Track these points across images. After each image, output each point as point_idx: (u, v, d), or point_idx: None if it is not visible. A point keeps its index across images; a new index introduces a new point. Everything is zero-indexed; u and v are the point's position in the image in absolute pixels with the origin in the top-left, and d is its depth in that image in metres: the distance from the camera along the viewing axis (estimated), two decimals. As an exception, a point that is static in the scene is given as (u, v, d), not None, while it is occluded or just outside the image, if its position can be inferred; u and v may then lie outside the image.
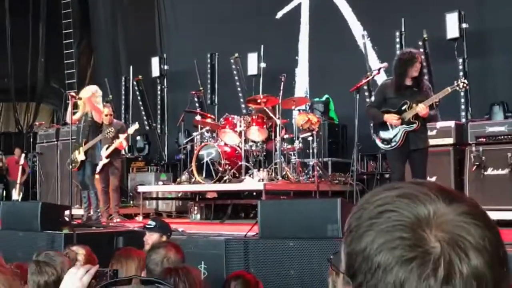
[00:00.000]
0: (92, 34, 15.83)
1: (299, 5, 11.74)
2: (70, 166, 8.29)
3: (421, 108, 5.94)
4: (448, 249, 0.81)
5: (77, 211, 9.54)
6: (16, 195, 12.25)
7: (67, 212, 7.10)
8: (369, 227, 0.85)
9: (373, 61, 10.36)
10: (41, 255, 3.24)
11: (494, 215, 7.25)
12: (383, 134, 6.24)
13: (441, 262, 0.80)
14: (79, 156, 8.15)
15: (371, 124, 9.75)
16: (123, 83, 13.95)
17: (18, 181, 12.34)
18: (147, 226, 5.19)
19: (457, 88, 6.21)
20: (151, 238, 5.03)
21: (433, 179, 7.08)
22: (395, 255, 0.82)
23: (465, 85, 6.14)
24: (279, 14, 11.91)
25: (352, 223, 0.89)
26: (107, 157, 8.47)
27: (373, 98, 6.54)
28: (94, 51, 16.10)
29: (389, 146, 6.20)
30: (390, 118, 6.11)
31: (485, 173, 7.38)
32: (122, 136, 8.44)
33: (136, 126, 8.90)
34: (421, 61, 6.11)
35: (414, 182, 0.90)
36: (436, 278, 0.80)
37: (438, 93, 6.09)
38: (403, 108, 6.09)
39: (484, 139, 7.51)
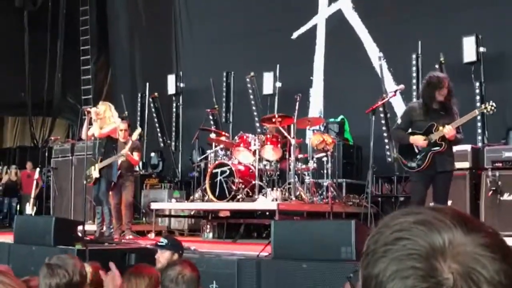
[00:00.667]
0: (110, 51, 15.97)
1: (315, 26, 11.79)
2: (85, 181, 8.31)
3: (448, 130, 5.89)
4: (460, 281, 0.79)
5: (90, 226, 9.54)
6: (30, 209, 12.29)
7: (80, 228, 7.10)
8: (384, 253, 0.85)
9: (389, 83, 10.34)
10: (53, 258, 3.22)
11: (509, 241, 7.14)
12: (409, 156, 6.19)
13: None
14: (94, 172, 8.15)
15: (388, 146, 9.80)
16: (139, 100, 14.03)
17: (32, 195, 12.39)
18: (159, 243, 5.17)
19: (485, 111, 6.16)
20: (162, 256, 5.00)
21: (449, 203, 7.00)
22: (407, 285, 0.81)
23: (493, 108, 6.08)
24: (295, 35, 11.96)
25: (369, 246, 0.89)
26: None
27: (399, 121, 6.52)
28: (111, 68, 16.23)
29: (414, 167, 6.15)
30: (417, 139, 6.07)
31: (502, 198, 7.30)
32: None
33: (138, 130, 8.81)
34: (448, 86, 6.04)
35: (433, 208, 0.89)
36: None
37: (465, 116, 6.03)
38: (430, 130, 6.06)
39: (501, 164, 7.45)
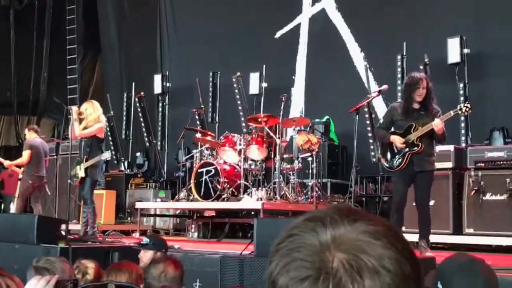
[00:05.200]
0: (102, 50, 15.88)
1: (299, 25, 11.81)
2: (69, 181, 8.26)
3: (438, 123, 5.93)
4: (342, 269, 0.80)
5: (74, 226, 9.51)
6: (14, 208, 12.21)
7: (63, 227, 7.08)
8: (275, 252, 0.86)
9: (372, 83, 10.39)
10: (42, 261, 3.22)
11: (492, 241, 7.23)
12: (389, 156, 6.26)
13: (330, 281, 0.79)
14: (80, 172, 8.10)
15: (372, 146, 9.85)
16: (125, 99, 13.99)
17: (16, 195, 12.30)
18: (142, 243, 5.18)
19: (460, 112, 6.21)
20: (145, 256, 5.00)
21: (431, 203, 7.06)
22: (290, 276, 0.82)
23: (467, 109, 6.13)
24: (278, 34, 11.99)
25: (270, 251, 0.90)
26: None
27: (381, 120, 6.60)
28: (100, 67, 16.18)
29: (393, 167, 6.22)
30: (395, 140, 6.14)
31: (484, 198, 7.37)
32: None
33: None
34: (427, 86, 6.07)
35: (328, 206, 0.90)
36: None
37: (441, 117, 6.09)
38: (409, 130, 6.12)
39: (483, 164, 7.51)
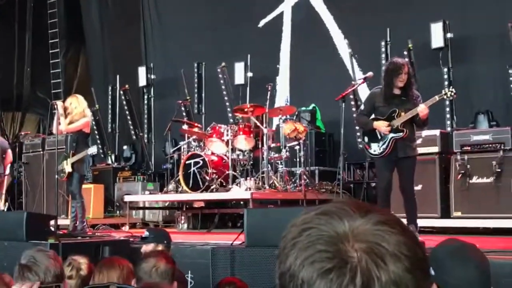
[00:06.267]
0: (86, 43, 15.75)
1: (281, 13, 11.78)
2: (57, 176, 8.21)
3: (422, 108, 5.95)
4: (365, 257, 0.84)
5: (63, 221, 9.48)
6: (1, 205, 12.15)
7: (52, 222, 7.05)
8: (293, 247, 0.88)
9: (357, 69, 10.40)
10: (26, 258, 3.19)
11: (480, 223, 7.30)
12: (372, 142, 6.26)
13: (358, 270, 0.83)
14: (67, 167, 8.06)
15: (359, 133, 9.88)
16: (110, 92, 13.92)
17: (3, 191, 12.24)
18: (142, 236, 5.18)
19: (445, 97, 6.24)
20: (147, 249, 4.99)
21: (419, 187, 7.12)
22: (315, 268, 0.84)
23: (453, 93, 6.16)
24: (262, 23, 11.96)
25: (280, 247, 0.92)
26: None
27: (362, 107, 6.59)
28: (83, 61, 16.06)
29: (377, 154, 6.22)
30: (380, 125, 6.14)
31: (471, 181, 7.43)
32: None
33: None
34: (408, 71, 6.10)
35: (334, 201, 0.94)
36: (355, 286, 0.82)
37: (426, 102, 6.11)
38: (392, 116, 6.13)
39: (469, 148, 7.57)
